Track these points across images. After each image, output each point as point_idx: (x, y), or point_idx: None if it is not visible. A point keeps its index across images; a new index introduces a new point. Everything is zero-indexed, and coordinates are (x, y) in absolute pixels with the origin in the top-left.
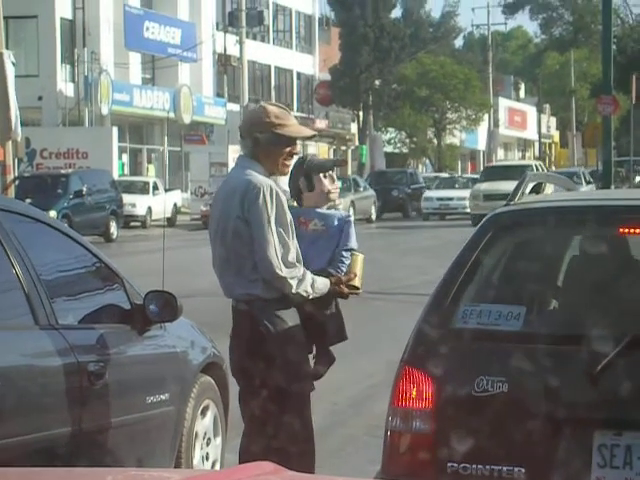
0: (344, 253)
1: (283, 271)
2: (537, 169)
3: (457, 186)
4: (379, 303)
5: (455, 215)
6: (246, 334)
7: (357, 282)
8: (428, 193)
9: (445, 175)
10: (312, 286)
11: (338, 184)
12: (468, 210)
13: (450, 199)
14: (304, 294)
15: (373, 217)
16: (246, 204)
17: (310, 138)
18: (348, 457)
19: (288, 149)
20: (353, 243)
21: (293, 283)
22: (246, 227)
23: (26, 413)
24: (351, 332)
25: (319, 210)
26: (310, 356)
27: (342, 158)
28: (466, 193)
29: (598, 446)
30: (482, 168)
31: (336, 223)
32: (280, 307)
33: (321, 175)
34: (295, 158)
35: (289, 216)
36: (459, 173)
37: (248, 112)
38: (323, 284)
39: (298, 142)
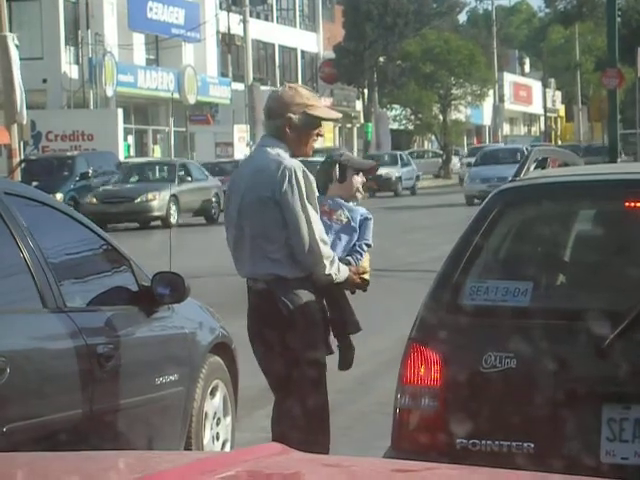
0: (364, 246)
1: (322, 250)
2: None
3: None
4: (386, 280)
5: None
6: (264, 312)
7: (367, 276)
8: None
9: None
10: (338, 269)
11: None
12: None
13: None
14: (333, 276)
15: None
16: (278, 186)
17: (337, 120)
18: (357, 434)
19: (317, 130)
20: (371, 239)
21: (327, 263)
22: (274, 208)
23: (35, 396)
24: (358, 309)
25: (347, 203)
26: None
27: (376, 163)
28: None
29: (607, 420)
30: (488, 144)
31: (359, 219)
32: (301, 287)
33: (354, 173)
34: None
35: (316, 197)
36: (464, 149)
37: (278, 93)
38: (345, 270)
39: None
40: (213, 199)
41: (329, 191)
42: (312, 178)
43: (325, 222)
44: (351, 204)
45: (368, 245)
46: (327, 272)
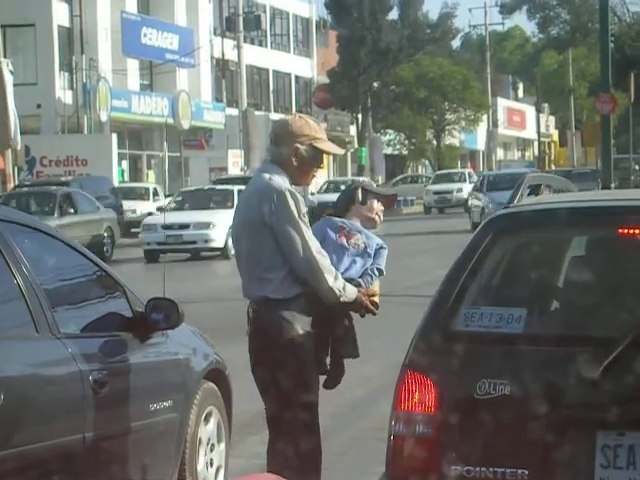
0: (375, 271)
1: (321, 262)
2: (467, 175)
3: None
4: (381, 305)
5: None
6: (258, 336)
7: (377, 299)
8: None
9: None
10: (344, 288)
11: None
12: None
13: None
14: (337, 292)
15: None
16: (267, 207)
17: (340, 155)
18: (352, 459)
19: (320, 163)
20: (383, 267)
21: (328, 276)
22: (264, 230)
23: (29, 423)
24: (360, 333)
25: (365, 229)
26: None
27: (394, 194)
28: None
29: (601, 447)
30: (482, 168)
31: (375, 247)
32: (287, 309)
33: (375, 199)
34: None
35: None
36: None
37: (288, 121)
38: (352, 291)
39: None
40: (105, 234)
41: (348, 214)
42: (300, 197)
43: (342, 244)
44: (368, 231)
45: (380, 271)
46: (330, 285)
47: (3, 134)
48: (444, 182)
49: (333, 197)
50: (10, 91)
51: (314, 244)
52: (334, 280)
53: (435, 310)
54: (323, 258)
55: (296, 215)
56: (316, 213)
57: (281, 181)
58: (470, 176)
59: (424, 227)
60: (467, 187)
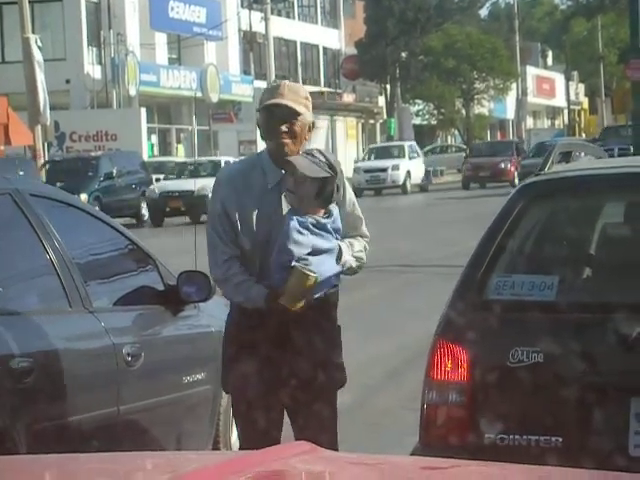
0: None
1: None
2: (406, 148)
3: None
4: (411, 276)
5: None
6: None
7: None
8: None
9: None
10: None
11: None
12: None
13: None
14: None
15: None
16: None
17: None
18: (385, 430)
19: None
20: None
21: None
22: None
23: (63, 396)
24: (384, 305)
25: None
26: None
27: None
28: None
29: (635, 414)
30: (512, 137)
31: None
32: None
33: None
34: None
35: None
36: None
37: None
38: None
39: (328, 117)
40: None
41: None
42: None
43: None
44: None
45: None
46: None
47: (32, 110)
48: (379, 158)
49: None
50: (39, 67)
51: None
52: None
53: (467, 279)
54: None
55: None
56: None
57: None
58: (412, 150)
59: (454, 196)
60: (406, 164)
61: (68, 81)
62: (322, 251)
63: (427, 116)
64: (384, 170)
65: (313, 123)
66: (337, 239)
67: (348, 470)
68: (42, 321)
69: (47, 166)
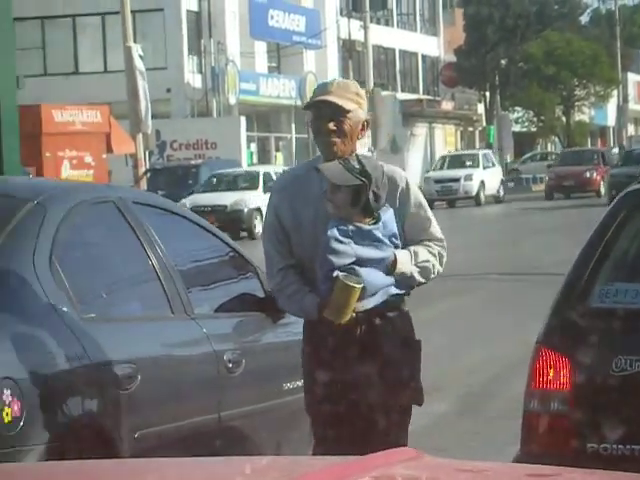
0: None
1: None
2: (480, 157)
3: None
4: (513, 284)
5: None
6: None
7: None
8: None
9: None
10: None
11: None
12: None
13: None
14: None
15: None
16: None
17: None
18: (486, 438)
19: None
20: None
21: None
22: None
23: (166, 403)
24: (484, 312)
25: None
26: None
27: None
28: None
29: None
30: (612, 144)
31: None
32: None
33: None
34: None
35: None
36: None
37: None
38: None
39: (427, 125)
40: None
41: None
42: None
43: None
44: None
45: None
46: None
47: (134, 118)
48: (452, 167)
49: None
50: (141, 76)
51: None
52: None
53: (569, 287)
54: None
55: None
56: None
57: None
58: (487, 159)
59: (551, 205)
60: (479, 174)
61: (169, 90)
62: (369, 260)
63: (527, 123)
64: (456, 180)
65: (367, 121)
66: (394, 245)
67: (453, 477)
68: (145, 327)
69: (148, 174)
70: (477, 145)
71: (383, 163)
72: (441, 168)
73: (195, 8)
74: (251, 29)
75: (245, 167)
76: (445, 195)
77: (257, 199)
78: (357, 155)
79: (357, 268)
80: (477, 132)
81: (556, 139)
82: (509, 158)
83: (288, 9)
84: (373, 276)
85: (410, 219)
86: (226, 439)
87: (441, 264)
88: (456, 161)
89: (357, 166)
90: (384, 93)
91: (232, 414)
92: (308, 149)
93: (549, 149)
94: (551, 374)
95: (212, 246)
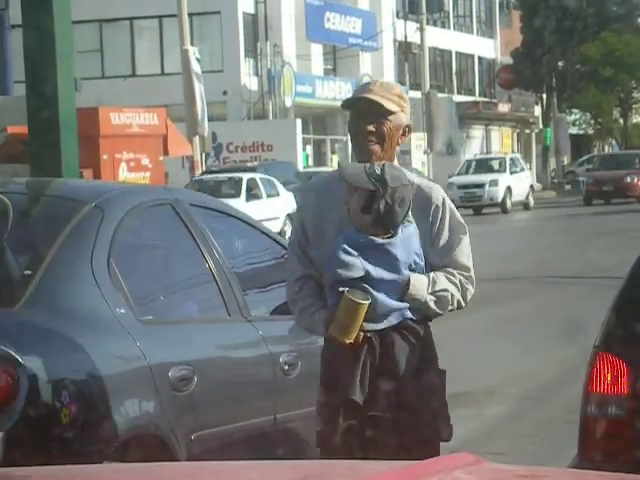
0: None
1: None
2: (507, 162)
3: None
4: (572, 287)
5: None
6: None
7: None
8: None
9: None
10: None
11: None
12: None
13: None
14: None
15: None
16: None
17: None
18: (543, 442)
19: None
20: None
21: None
22: None
23: (222, 405)
24: (542, 317)
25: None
26: None
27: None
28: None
29: None
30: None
31: None
32: None
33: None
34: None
35: None
36: None
37: None
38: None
39: (483, 127)
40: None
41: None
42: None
43: None
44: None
45: None
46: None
47: (191, 121)
48: (477, 172)
49: None
50: (198, 78)
51: None
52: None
53: (628, 291)
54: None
55: None
56: None
57: None
58: (515, 163)
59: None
60: (506, 179)
61: (225, 92)
62: (380, 278)
63: (584, 126)
64: (481, 186)
65: (408, 127)
66: (414, 266)
67: None
68: (202, 329)
69: (205, 177)
70: (534, 148)
71: (421, 178)
72: (466, 173)
73: (251, 10)
74: (307, 31)
75: (301, 168)
76: (469, 202)
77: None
78: (384, 163)
79: (366, 285)
80: (534, 134)
81: (613, 141)
82: (566, 160)
83: (344, 11)
84: (383, 295)
85: (438, 241)
86: (282, 441)
87: (464, 296)
88: (482, 166)
89: (377, 172)
90: (440, 95)
91: (288, 416)
92: None
93: (606, 151)
94: (609, 378)
95: (267, 248)
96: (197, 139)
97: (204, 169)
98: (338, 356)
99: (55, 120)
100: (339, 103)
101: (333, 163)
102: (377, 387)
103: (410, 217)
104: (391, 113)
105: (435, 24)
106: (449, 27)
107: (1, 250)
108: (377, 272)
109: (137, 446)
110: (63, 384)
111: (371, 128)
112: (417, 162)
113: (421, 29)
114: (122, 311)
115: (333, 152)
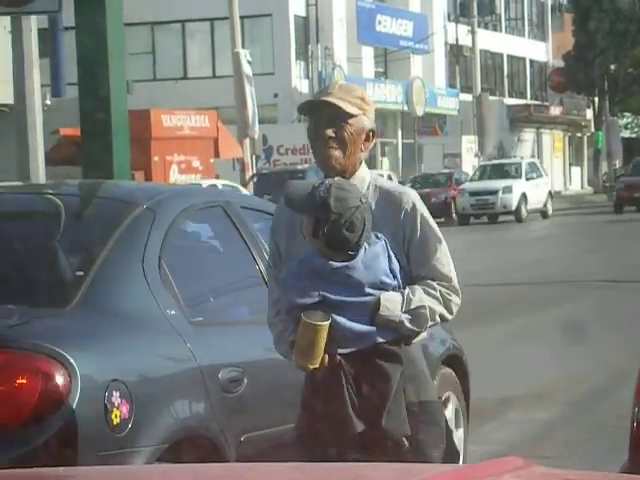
0: None
1: None
2: (524, 167)
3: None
4: (621, 293)
5: None
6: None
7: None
8: None
9: None
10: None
11: None
12: None
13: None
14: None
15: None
16: None
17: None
18: (593, 447)
19: None
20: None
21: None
22: None
23: (271, 406)
24: (589, 321)
25: None
26: None
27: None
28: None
29: None
30: None
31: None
32: None
33: None
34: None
35: None
36: None
37: None
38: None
39: (534, 130)
40: None
41: None
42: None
43: None
44: None
45: None
46: None
47: (242, 123)
48: (491, 178)
49: None
50: (249, 81)
51: None
52: None
53: None
54: None
55: None
56: None
57: None
58: (532, 169)
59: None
60: (521, 186)
61: (276, 95)
62: (341, 302)
63: (636, 129)
64: (493, 193)
65: (373, 132)
66: (385, 285)
67: None
68: (251, 331)
69: (255, 179)
70: (585, 151)
71: (392, 183)
72: (480, 179)
73: (303, 13)
74: (358, 34)
75: None
76: (481, 209)
77: None
78: (332, 183)
79: (324, 308)
80: (585, 138)
81: None
82: (618, 164)
83: (395, 14)
84: (346, 319)
85: (414, 250)
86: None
87: (447, 308)
88: (496, 171)
89: (322, 194)
90: (491, 98)
91: None
92: (414, 155)
93: None
94: None
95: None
96: (248, 141)
97: (254, 171)
98: (313, 382)
99: (107, 122)
100: (390, 106)
101: (383, 166)
102: (354, 409)
103: (379, 234)
104: (352, 116)
105: (486, 27)
106: (500, 30)
107: (53, 251)
108: (337, 296)
109: (187, 447)
110: (114, 385)
111: (330, 133)
112: (468, 165)
113: (472, 32)
114: (173, 312)
115: (383, 155)
